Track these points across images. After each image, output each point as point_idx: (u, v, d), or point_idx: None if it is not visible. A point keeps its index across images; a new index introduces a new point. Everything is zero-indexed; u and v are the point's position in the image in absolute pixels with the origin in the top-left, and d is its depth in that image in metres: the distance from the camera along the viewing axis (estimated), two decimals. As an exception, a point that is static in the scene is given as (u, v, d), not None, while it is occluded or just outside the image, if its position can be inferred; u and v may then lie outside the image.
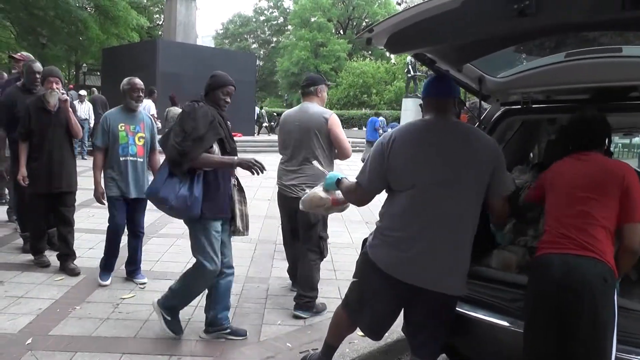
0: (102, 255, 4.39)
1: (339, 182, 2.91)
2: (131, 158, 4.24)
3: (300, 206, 3.11)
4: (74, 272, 4.50)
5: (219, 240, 3.26)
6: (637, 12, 1.80)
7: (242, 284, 4.49)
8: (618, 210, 2.28)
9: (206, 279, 3.28)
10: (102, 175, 4.31)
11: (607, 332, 2.16)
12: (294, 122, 3.97)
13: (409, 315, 2.66)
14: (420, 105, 2.74)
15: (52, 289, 4.15)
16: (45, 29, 22.23)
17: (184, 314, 3.79)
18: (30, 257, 4.89)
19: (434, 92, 2.65)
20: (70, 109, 4.54)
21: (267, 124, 27.60)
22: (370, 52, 46.72)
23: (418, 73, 23.43)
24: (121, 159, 4.20)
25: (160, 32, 33.72)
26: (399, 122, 21.49)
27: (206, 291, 3.40)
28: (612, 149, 2.87)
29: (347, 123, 30.31)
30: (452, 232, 2.45)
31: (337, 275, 5.00)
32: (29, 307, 3.76)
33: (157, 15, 38.21)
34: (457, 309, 2.65)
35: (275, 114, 30.88)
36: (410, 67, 24.18)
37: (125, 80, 4.29)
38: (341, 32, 50.35)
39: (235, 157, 3.23)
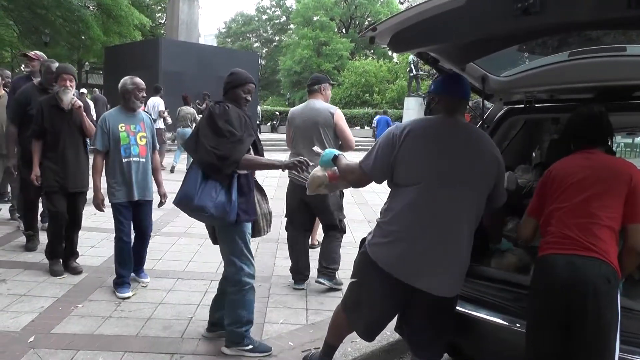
0: (114, 267, 4.21)
1: (335, 158, 2.85)
2: (134, 159, 4.08)
3: (307, 191, 3.10)
4: (76, 271, 4.50)
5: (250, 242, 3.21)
6: None
7: (244, 283, 4.47)
8: (622, 210, 2.26)
9: (249, 283, 3.16)
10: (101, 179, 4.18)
11: (611, 332, 2.15)
12: (302, 117, 4.34)
13: (409, 316, 2.63)
14: (423, 98, 2.73)
15: (54, 287, 4.16)
16: (47, 27, 22.26)
17: (185, 312, 3.80)
18: (33, 254, 4.92)
19: (451, 91, 2.61)
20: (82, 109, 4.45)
21: (259, 122, 27.27)
22: (372, 51, 46.70)
23: (420, 72, 23.43)
24: (124, 160, 4.04)
25: (162, 31, 33.77)
26: (400, 121, 21.48)
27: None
28: (614, 148, 2.87)
29: (349, 122, 29.86)
30: (454, 233, 2.44)
31: (339, 274, 4.98)
32: (31, 305, 3.77)
33: (160, 14, 38.25)
34: (460, 308, 2.65)
35: (277, 112, 30.87)
36: (412, 66, 24.18)
37: (128, 80, 4.12)
38: (344, 30, 50.32)
39: (283, 159, 3.14)
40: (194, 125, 11.76)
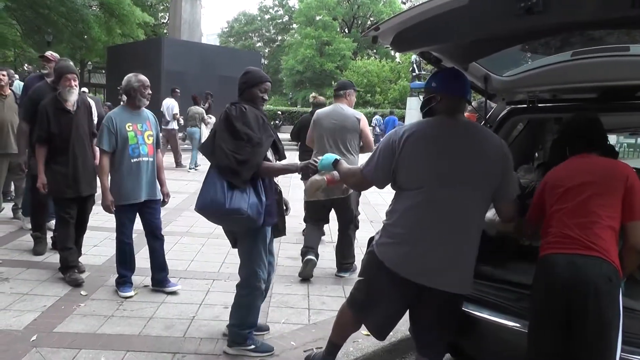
0: (116, 268, 4.16)
1: (336, 162, 2.87)
2: (143, 159, 3.99)
3: (304, 196, 3.10)
4: (79, 270, 4.45)
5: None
6: None
7: (246, 282, 4.48)
8: (621, 209, 2.28)
9: (260, 289, 3.17)
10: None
11: (612, 331, 2.14)
12: (331, 120, 4.69)
13: (415, 315, 2.64)
14: (418, 95, 2.71)
15: (57, 286, 4.17)
16: (50, 27, 22.30)
17: (187, 312, 3.80)
18: (35, 253, 4.92)
19: (453, 89, 2.56)
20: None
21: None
22: (375, 51, 46.65)
23: (423, 72, 23.39)
24: (132, 160, 3.94)
25: (165, 31, 33.77)
26: (403, 121, 21.46)
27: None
28: (617, 148, 2.87)
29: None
30: (460, 232, 2.43)
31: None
32: (34, 304, 3.77)
33: (163, 14, 38.28)
34: (462, 308, 2.65)
35: (279, 112, 30.83)
36: (415, 65, 24.14)
37: (132, 77, 4.02)
38: (346, 30, 50.29)
39: (297, 163, 3.11)
40: (202, 124, 11.88)
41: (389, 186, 2.66)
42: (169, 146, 12.23)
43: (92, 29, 21.90)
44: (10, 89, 5.96)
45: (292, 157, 3.82)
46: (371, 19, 47.28)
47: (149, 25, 27.00)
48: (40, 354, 3.07)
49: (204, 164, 11.95)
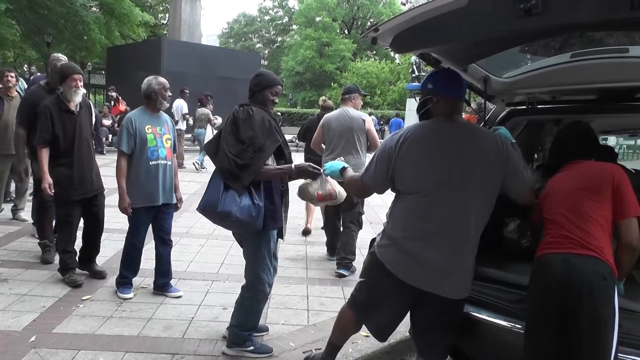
0: (120, 268, 4.13)
1: (343, 170, 2.91)
2: (162, 162, 3.95)
3: (298, 194, 3.15)
4: (102, 276, 4.38)
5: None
6: None
7: (245, 283, 4.48)
8: (612, 208, 2.31)
9: (264, 292, 3.16)
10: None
11: (607, 331, 2.14)
12: (339, 122, 5.04)
13: (416, 317, 2.63)
14: (415, 96, 2.70)
15: (56, 287, 4.16)
16: (50, 28, 22.30)
17: (187, 313, 3.80)
18: (34, 253, 4.92)
19: (449, 91, 2.53)
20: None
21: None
22: (374, 52, 46.68)
23: (423, 73, 23.32)
24: (151, 163, 3.89)
25: (165, 31, 33.77)
26: (403, 120, 21.48)
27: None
28: (616, 150, 2.88)
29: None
30: (459, 237, 2.41)
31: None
32: (33, 305, 3.77)
33: (162, 15, 38.28)
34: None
35: (279, 113, 30.82)
36: (414, 67, 24.05)
37: (153, 80, 3.97)
38: (346, 31, 50.31)
39: (293, 166, 3.04)
40: (207, 126, 12.04)
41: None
42: None
43: (92, 31, 21.88)
44: (16, 91, 5.94)
45: (297, 158, 3.80)
46: (371, 20, 47.32)
47: (148, 25, 26.98)
48: (39, 355, 3.07)
49: (210, 165, 11.99)
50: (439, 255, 2.39)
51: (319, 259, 5.49)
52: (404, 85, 33.60)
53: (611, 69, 2.90)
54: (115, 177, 3.89)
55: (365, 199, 5.03)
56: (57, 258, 4.74)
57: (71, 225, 4.30)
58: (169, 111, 10.06)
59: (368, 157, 3.53)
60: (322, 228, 5.71)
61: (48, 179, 4.13)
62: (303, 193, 3.13)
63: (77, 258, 4.43)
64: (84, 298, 3.97)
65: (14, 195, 6.64)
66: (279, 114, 30.83)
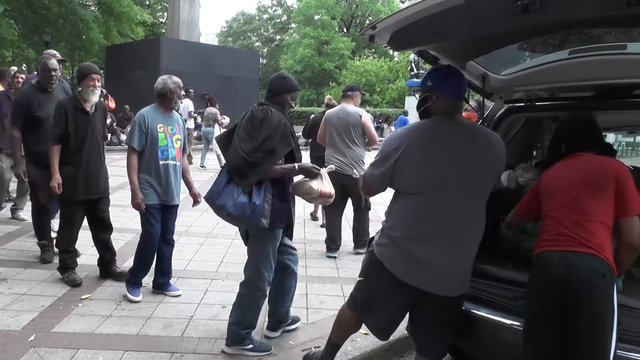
0: (132, 268, 4.08)
1: None
2: (171, 162, 3.93)
3: (290, 189, 3.18)
4: (121, 277, 4.30)
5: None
6: None
7: (244, 282, 4.48)
8: (614, 205, 2.29)
9: (263, 290, 3.18)
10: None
11: (606, 328, 2.14)
12: (338, 117, 5.47)
13: (415, 316, 2.62)
14: (414, 93, 2.69)
15: (55, 286, 4.16)
16: (48, 27, 22.25)
17: (186, 311, 3.80)
18: (33, 253, 4.92)
19: (449, 90, 2.49)
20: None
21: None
22: (373, 50, 46.63)
23: (422, 71, 23.32)
24: (161, 162, 3.87)
25: (163, 30, 33.72)
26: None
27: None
28: (615, 147, 2.88)
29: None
30: (460, 235, 2.41)
31: (339, 273, 5.00)
32: (32, 304, 3.77)
33: (161, 13, 38.21)
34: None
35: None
36: (413, 65, 24.06)
37: (168, 79, 4.00)
38: (345, 30, 50.26)
39: (296, 164, 3.08)
40: (215, 125, 12.36)
41: None
42: None
43: (91, 30, 21.84)
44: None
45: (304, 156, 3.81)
46: (370, 18, 47.22)
47: (147, 24, 26.93)
48: (38, 354, 3.07)
49: (210, 164, 11.88)
50: (439, 255, 2.38)
51: (318, 257, 5.49)
52: (403, 83, 33.55)
53: (609, 65, 2.89)
54: (127, 173, 3.87)
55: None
56: (56, 257, 4.77)
57: (73, 226, 4.29)
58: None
59: (369, 155, 3.54)
60: (321, 226, 5.93)
61: (58, 178, 4.11)
62: (297, 188, 3.16)
63: (76, 259, 4.42)
64: (83, 297, 3.96)
65: (13, 195, 6.64)
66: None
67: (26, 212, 6.03)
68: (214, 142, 11.76)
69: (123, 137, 14.74)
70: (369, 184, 2.66)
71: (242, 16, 58.84)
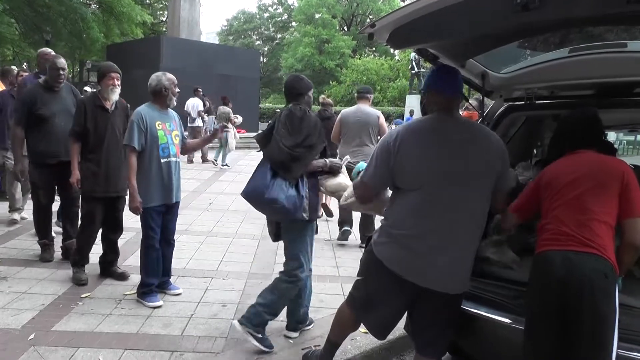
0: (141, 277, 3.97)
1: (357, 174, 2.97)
2: (173, 159, 3.88)
3: (322, 188, 3.31)
4: (124, 277, 4.35)
5: None
6: None
7: (244, 280, 4.49)
8: (618, 205, 2.27)
9: (302, 280, 3.26)
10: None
11: (608, 328, 2.14)
12: (355, 117, 5.85)
13: (414, 314, 2.62)
14: (421, 98, 2.71)
15: (55, 285, 4.16)
16: (49, 26, 22.25)
17: (186, 310, 3.80)
18: (33, 251, 4.92)
19: (444, 89, 2.52)
20: None
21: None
22: (374, 49, 46.60)
23: (422, 70, 23.35)
24: (162, 161, 3.81)
25: (164, 29, 33.71)
26: (402, 118, 21.46)
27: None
28: (616, 145, 2.87)
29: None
30: (460, 232, 2.41)
31: (340, 272, 5.00)
32: (32, 303, 3.77)
33: (161, 12, 38.20)
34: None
35: (278, 110, 30.76)
36: (414, 63, 24.11)
37: (162, 76, 3.95)
38: (345, 28, 50.22)
39: (327, 161, 3.28)
40: (229, 124, 12.29)
41: None
42: None
43: (91, 29, 21.84)
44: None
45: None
46: (370, 16, 47.16)
47: (147, 25, 26.92)
48: (38, 353, 3.07)
49: (233, 164, 11.83)
50: (440, 252, 2.38)
51: (317, 255, 5.48)
52: (404, 82, 33.55)
53: (610, 64, 2.89)
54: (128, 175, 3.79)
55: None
56: (56, 256, 4.79)
57: (94, 224, 4.28)
58: (181, 109, 10.19)
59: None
60: (339, 223, 6.20)
61: (77, 174, 4.18)
62: (330, 186, 3.31)
63: (99, 263, 4.44)
64: (83, 296, 3.97)
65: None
66: (278, 110, 30.83)
67: (26, 212, 6.04)
68: (229, 140, 11.85)
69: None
70: (369, 185, 2.64)
71: (243, 15, 58.80)
